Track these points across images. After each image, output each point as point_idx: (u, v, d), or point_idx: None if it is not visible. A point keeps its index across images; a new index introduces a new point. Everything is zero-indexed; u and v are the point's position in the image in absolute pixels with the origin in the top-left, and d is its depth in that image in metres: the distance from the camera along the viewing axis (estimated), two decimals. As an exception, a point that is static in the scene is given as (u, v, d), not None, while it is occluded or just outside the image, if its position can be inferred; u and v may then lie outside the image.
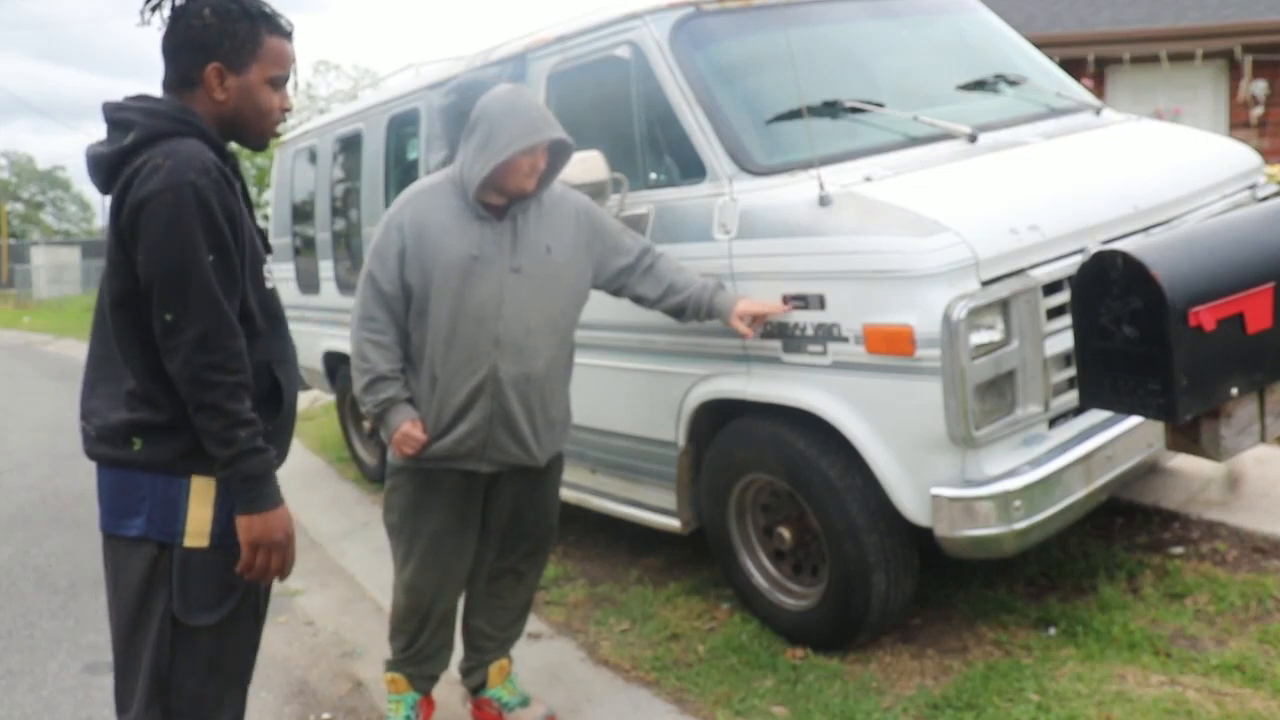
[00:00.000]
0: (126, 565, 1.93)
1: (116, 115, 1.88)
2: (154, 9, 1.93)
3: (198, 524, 1.91)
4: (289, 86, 2.03)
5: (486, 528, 2.89)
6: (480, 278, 2.62)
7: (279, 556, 1.92)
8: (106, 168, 1.86)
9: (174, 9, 1.91)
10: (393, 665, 2.97)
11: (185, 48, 1.91)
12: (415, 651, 2.92)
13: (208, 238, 1.80)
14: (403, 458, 2.72)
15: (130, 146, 1.83)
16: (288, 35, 2.00)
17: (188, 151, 1.82)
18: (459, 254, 2.61)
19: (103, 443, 1.91)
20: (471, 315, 2.62)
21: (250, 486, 1.86)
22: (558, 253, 2.71)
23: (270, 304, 2.01)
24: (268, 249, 2.06)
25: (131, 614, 1.93)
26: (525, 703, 3.03)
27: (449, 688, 3.38)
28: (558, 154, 2.71)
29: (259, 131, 2.02)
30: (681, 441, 3.41)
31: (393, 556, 2.90)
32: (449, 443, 2.66)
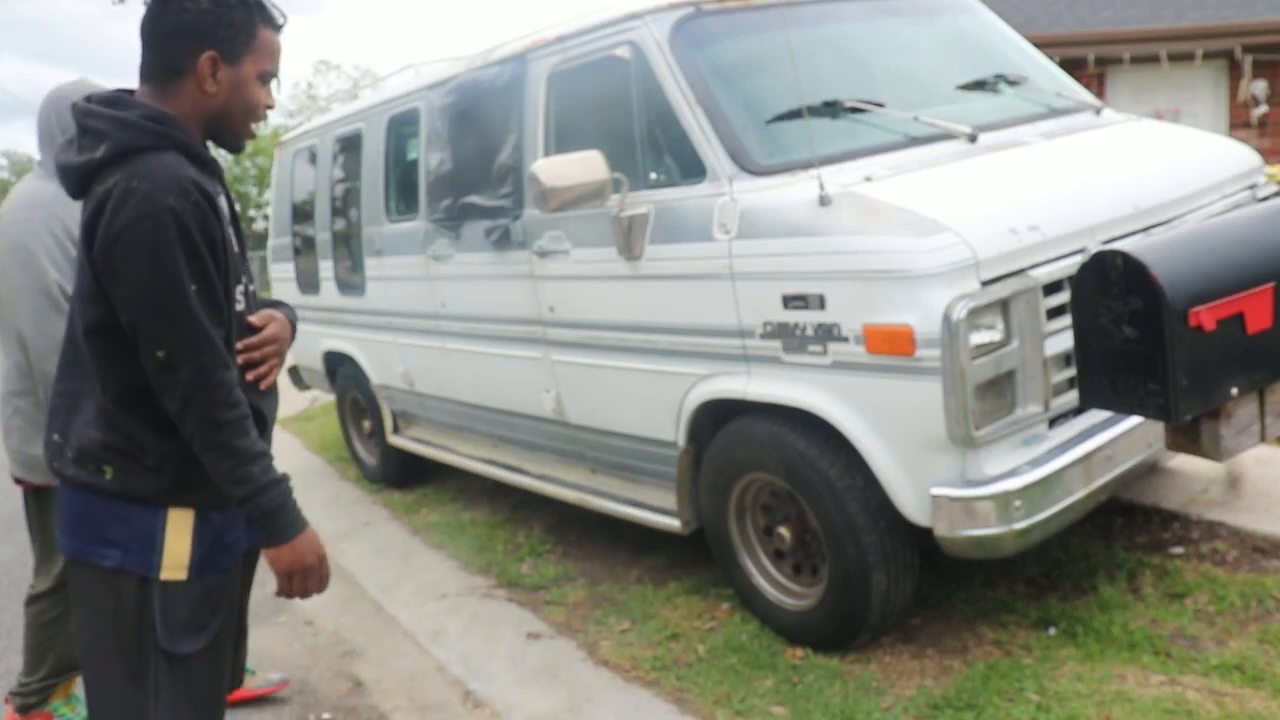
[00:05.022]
0: (105, 596, 1.82)
1: (87, 121, 1.75)
2: None
3: (175, 557, 1.82)
4: (274, 84, 1.92)
5: None
6: None
7: (315, 579, 1.86)
8: (76, 179, 1.76)
9: None
10: (75, 672, 2.98)
11: (178, 33, 1.77)
12: None
13: (190, 267, 1.69)
14: None
15: (101, 161, 1.71)
16: (279, 29, 1.89)
17: (165, 171, 1.70)
18: None
19: (76, 464, 1.81)
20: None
21: (272, 520, 1.79)
22: None
23: (239, 326, 1.90)
24: (245, 271, 1.95)
25: (117, 646, 1.82)
26: None
27: (447, 688, 3.39)
28: None
29: (242, 129, 1.90)
30: (681, 441, 3.41)
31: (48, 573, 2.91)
32: None
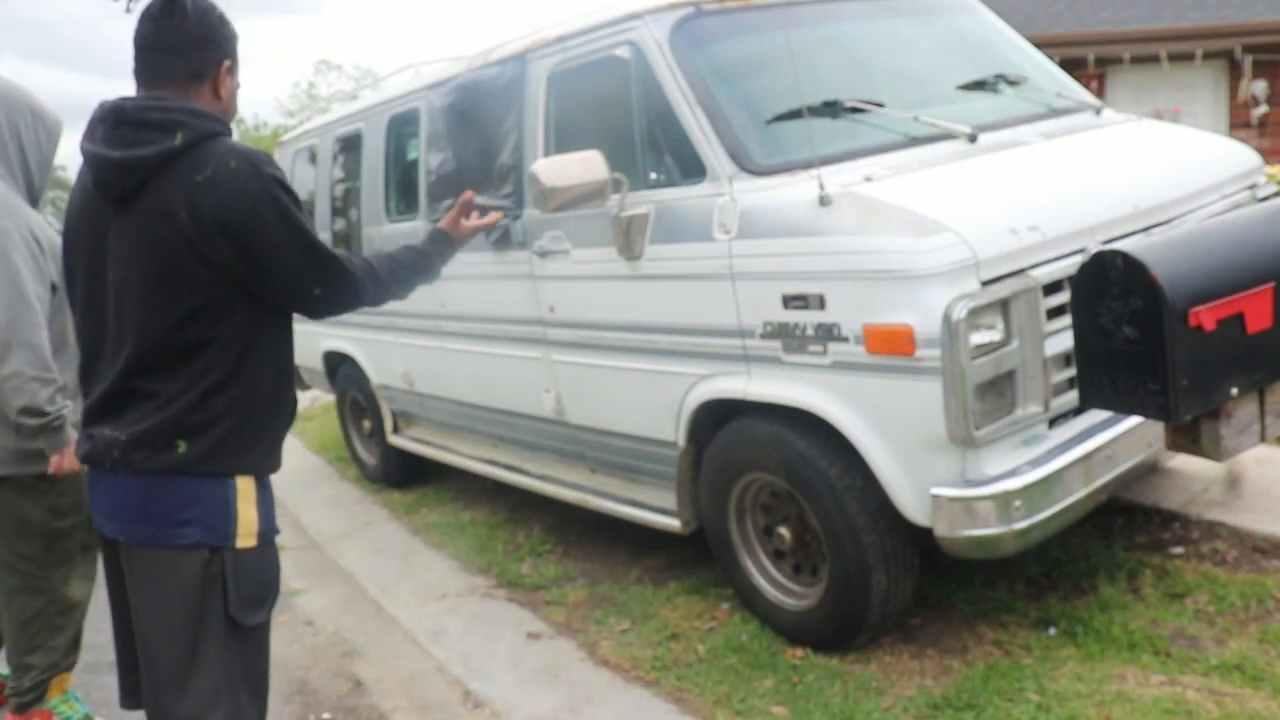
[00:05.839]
0: (175, 573, 1.92)
1: (153, 115, 1.86)
2: None
3: (247, 525, 1.96)
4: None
5: None
6: None
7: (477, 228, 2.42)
8: (146, 170, 1.83)
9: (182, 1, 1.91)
10: (64, 667, 3.00)
11: (203, 42, 1.94)
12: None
13: (303, 216, 1.92)
14: None
15: (180, 148, 1.83)
16: None
17: (249, 149, 1.89)
18: None
19: (141, 448, 1.89)
20: None
21: (452, 247, 2.37)
22: None
23: None
24: None
25: (185, 623, 1.92)
26: None
27: (447, 688, 3.39)
28: None
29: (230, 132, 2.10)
30: (681, 441, 3.41)
31: (72, 557, 2.93)
32: None
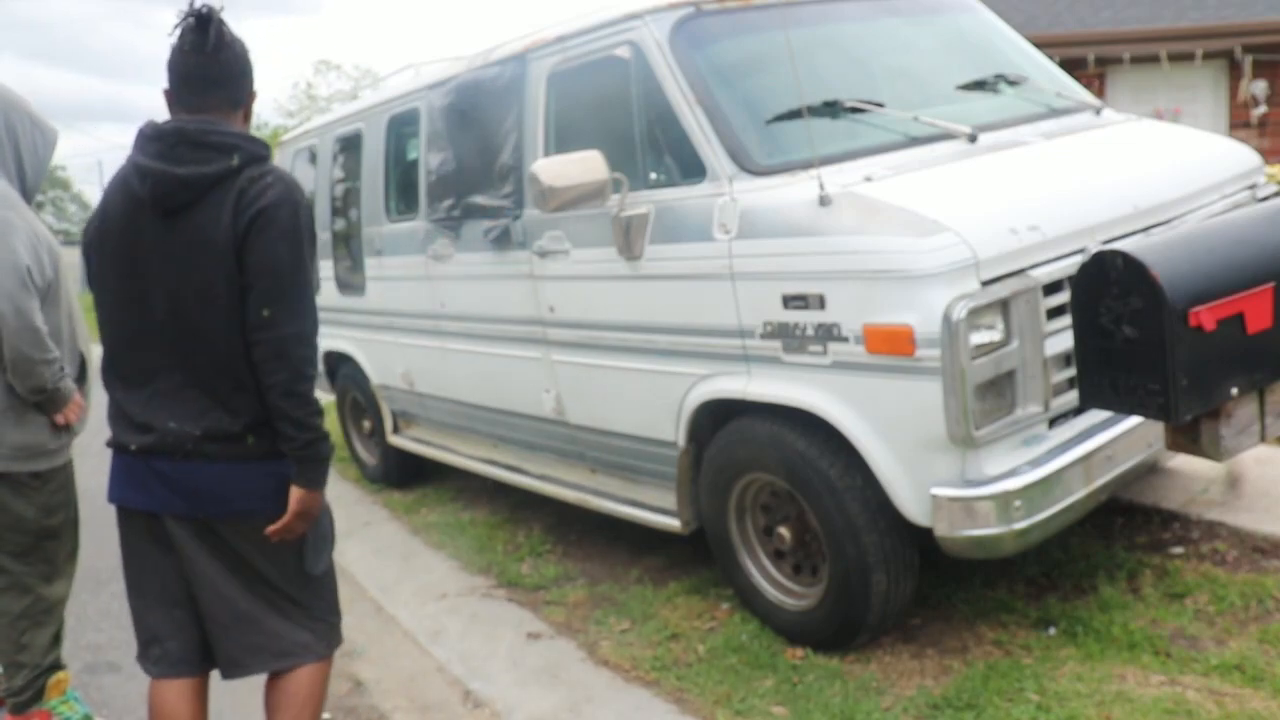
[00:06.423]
0: (258, 541, 2.21)
1: (212, 139, 2.09)
2: (200, 28, 2.09)
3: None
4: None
5: None
6: None
7: (306, 526, 2.26)
8: (205, 185, 2.07)
9: (219, 35, 2.11)
10: (49, 664, 2.98)
11: (243, 74, 2.19)
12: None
13: (308, 248, 2.12)
14: None
15: (237, 167, 2.08)
16: None
17: (288, 174, 2.13)
18: None
19: (213, 442, 2.15)
20: None
21: (320, 467, 2.20)
22: None
23: None
24: None
25: (274, 577, 2.26)
26: None
27: (447, 688, 3.39)
28: None
29: None
30: (681, 441, 3.41)
31: (56, 555, 2.94)
32: None
